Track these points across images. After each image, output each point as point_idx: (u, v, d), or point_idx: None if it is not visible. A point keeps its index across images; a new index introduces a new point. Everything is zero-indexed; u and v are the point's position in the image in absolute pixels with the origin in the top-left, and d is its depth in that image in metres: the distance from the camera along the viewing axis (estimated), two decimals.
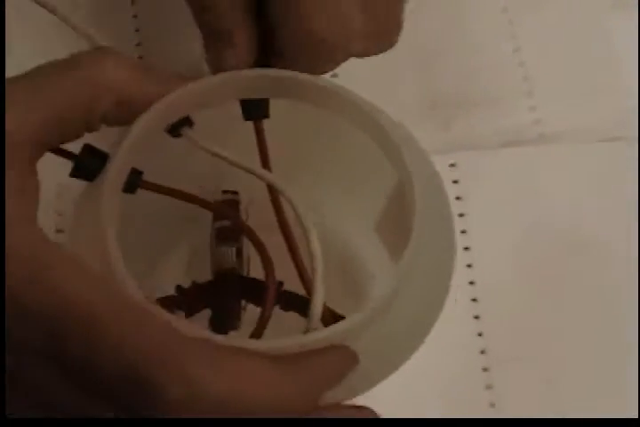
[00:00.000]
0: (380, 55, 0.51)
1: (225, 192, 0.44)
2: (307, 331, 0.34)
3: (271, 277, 0.36)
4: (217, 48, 0.38)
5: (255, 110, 0.38)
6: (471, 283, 0.52)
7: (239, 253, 0.43)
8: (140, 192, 0.40)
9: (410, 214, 0.35)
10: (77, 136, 0.35)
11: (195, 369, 0.30)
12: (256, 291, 0.41)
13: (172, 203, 0.45)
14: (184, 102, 0.36)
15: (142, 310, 0.31)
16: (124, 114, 0.35)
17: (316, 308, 0.34)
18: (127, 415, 0.31)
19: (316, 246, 0.34)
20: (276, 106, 0.39)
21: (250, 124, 0.39)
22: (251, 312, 0.41)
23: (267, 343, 0.32)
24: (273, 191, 0.38)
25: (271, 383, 0.31)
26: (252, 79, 0.37)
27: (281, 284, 0.41)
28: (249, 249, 0.44)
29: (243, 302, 0.42)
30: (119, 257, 0.33)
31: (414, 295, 0.36)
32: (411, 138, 0.38)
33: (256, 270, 0.43)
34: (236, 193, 0.44)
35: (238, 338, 0.32)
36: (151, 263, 0.48)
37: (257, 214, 0.43)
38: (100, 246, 0.33)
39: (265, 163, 0.38)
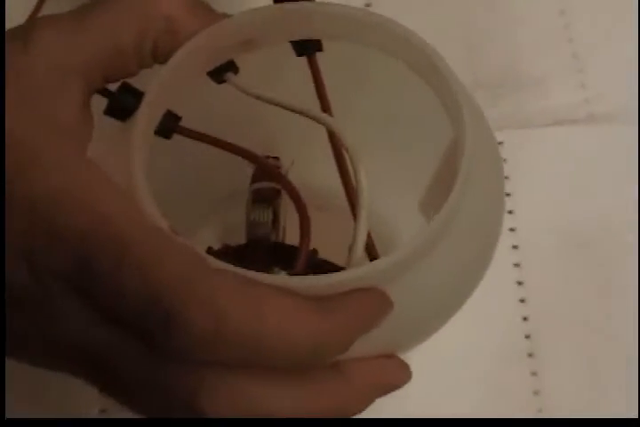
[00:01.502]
0: (422, 33, 0.49)
1: (266, 157, 0.42)
2: (348, 268, 0.31)
3: (306, 232, 0.34)
4: None
5: (307, 46, 0.36)
6: (516, 265, 0.50)
7: (275, 219, 0.42)
8: (179, 163, 0.39)
9: (458, 160, 0.32)
10: (130, 71, 0.33)
11: (224, 302, 0.28)
12: (289, 258, 0.39)
13: (210, 176, 0.44)
14: (226, 37, 0.34)
15: (172, 238, 0.29)
16: (173, 45, 0.33)
17: (359, 243, 0.31)
18: (151, 348, 0.29)
19: (363, 178, 0.32)
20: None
21: (297, 71, 0.37)
22: None
23: (304, 280, 0.30)
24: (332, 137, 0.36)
25: (305, 321, 0.29)
26: (304, 14, 0.35)
27: (315, 251, 0.40)
28: (286, 218, 0.42)
29: (276, 270, 0.41)
30: (145, 186, 0.31)
31: (456, 249, 0.33)
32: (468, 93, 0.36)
33: (291, 240, 0.42)
34: (277, 158, 0.42)
35: (271, 275, 0.30)
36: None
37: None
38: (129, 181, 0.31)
39: (323, 98, 0.36)
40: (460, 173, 0.32)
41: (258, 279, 0.29)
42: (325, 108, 0.36)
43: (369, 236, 0.33)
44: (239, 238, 0.42)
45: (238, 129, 0.40)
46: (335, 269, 0.36)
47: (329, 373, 0.31)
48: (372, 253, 0.34)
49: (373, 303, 0.31)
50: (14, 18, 0.41)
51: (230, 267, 0.29)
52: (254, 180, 0.42)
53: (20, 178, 0.29)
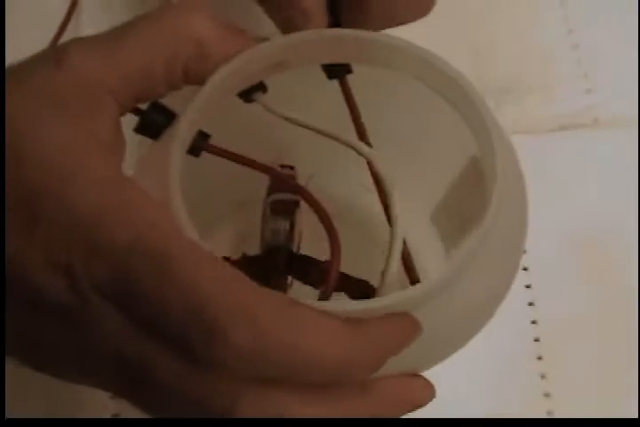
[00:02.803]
0: (429, 40, 0.50)
1: (282, 167, 0.42)
2: (380, 294, 0.32)
3: (337, 251, 0.34)
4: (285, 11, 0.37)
5: (337, 68, 0.37)
6: (525, 269, 0.51)
7: (291, 229, 0.42)
8: (192, 171, 0.39)
9: (488, 184, 0.33)
10: (161, 93, 0.34)
11: (266, 317, 0.28)
12: (305, 268, 0.40)
13: (221, 185, 0.45)
14: (259, 61, 0.35)
15: (213, 255, 0.29)
16: (204, 68, 0.34)
17: (392, 270, 0.32)
18: (190, 361, 0.29)
19: (397, 208, 0.33)
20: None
21: (323, 93, 0.38)
22: (296, 290, 0.40)
23: (338, 305, 0.31)
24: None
25: (342, 342, 0.30)
26: (335, 39, 0.36)
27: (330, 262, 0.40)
28: (301, 228, 0.43)
29: (289, 279, 0.41)
30: (183, 205, 0.31)
31: (481, 274, 0.34)
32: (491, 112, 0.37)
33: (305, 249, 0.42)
34: (292, 168, 0.43)
35: (309, 299, 0.30)
36: None
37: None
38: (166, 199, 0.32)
39: (356, 120, 0.37)
40: (491, 207, 0.32)
41: (298, 300, 0.30)
42: (361, 133, 0.37)
43: (409, 258, 0.34)
44: (249, 247, 0.43)
45: (252, 137, 0.40)
46: (355, 282, 0.36)
47: (358, 391, 0.32)
48: (412, 276, 0.35)
49: (405, 328, 0.32)
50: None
51: (269, 290, 0.30)
52: (271, 191, 0.42)
53: (61, 194, 0.29)
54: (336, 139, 0.35)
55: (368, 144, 0.36)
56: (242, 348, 0.28)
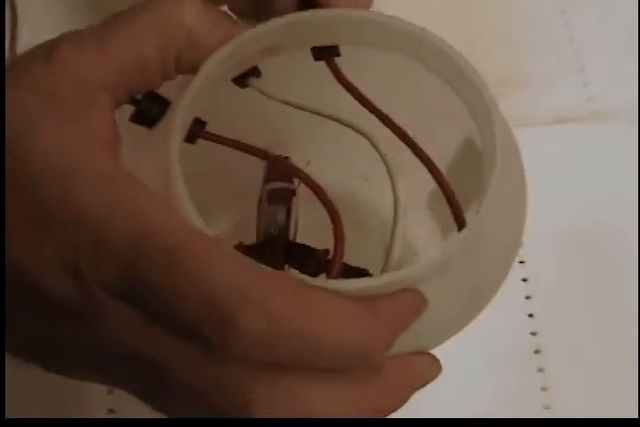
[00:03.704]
0: None
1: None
2: (386, 271, 0.32)
3: (340, 241, 0.34)
4: None
5: (326, 51, 0.37)
6: (521, 262, 0.51)
7: (288, 218, 0.42)
8: (188, 161, 0.39)
9: (486, 162, 0.33)
10: (155, 84, 0.34)
11: (277, 303, 0.28)
12: (302, 257, 0.39)
13: (217, 174, 0.44)
14: (251, 46, 0.35)
15: (220, 244, 0.29)
16: (196, 57, 0.33)
17: (396, 250, 0.32)
18: (203, 351, 0.29)
19: (400, 189, 0.33)
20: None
21: (317, 76, 0.37)
22: None
23: (353, 283, 0.30)
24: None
25: (354, 322, 0.29)
26: (329, 20, 0.35)
27: (327, 251, 0.40)
28: (297, 217, 0.42)
29: (286, 267, 0.41)
30: (187, 195, 0.31)
31: (482, 251, 0.34)
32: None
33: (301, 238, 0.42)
34: (287, 158, 0.42)
35: (317, 278, 0.30)
36: None
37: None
38: (162, 189, 0.32)
39: (359, 96, 0.36)
40: (491, 184, 0.32)
41: (308, 282, 0.30)
42: (369, 107, 0.36)
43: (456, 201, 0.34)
44: (246, 236, 0.42)
45: (246, 126, 0.40)
46: (353, 270, 0.36)
47: (368, 373, 0.32)
48: (459, 220, 0.34)
49: (413, 303, 0.32)
50: None
51: (281, 272, 0.30)
52: (268, 179, 0.42)
53: (64, 194, 0.29)
54: (337, 119, 0.35)
55: (384, 117, 0.36)
56: (254, 335, 0.28)
